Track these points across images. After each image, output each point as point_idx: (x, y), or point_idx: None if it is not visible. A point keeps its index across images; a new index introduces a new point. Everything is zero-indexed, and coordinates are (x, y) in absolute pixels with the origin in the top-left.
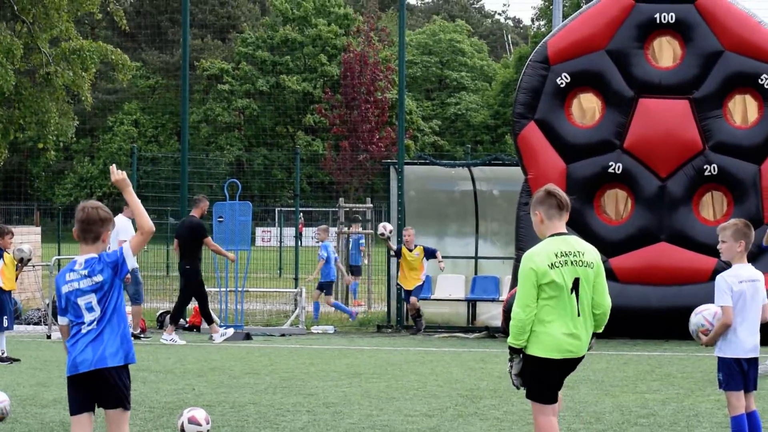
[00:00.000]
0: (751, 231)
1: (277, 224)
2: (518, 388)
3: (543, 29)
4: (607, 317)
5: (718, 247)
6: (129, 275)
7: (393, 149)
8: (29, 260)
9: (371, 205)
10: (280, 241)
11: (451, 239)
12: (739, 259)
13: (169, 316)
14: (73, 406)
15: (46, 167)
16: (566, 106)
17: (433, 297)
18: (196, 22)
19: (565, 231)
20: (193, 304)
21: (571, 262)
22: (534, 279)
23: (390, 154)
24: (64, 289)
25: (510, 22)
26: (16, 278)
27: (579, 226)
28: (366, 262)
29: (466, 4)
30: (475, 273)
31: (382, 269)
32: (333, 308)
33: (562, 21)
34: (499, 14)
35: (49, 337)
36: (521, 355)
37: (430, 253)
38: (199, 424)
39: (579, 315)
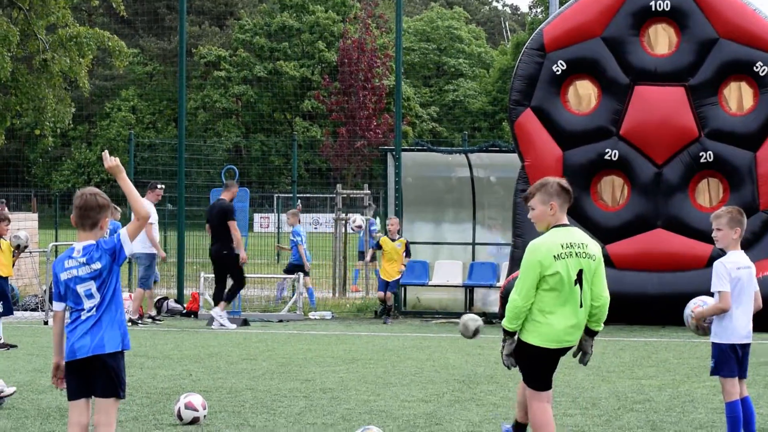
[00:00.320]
0: (744, 218)
1: (275, 210)
2: (509, 368)
3: (540, 16)
4: (606, 309)
5: (713, 235)
6: (165, 254)
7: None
8: (26, 247)
9: (369, 192)
10: (278, 228)
11: (449, 225)
12: (734, 246)
13: (225, 294)
14: (70, 391)
15: (43, 153)
16: (562, 94)
17: (430, 283)
18: (193, 9)
19: (567, 222)
20: (191, 290)
21: (576, 254)
22: (538, 270)
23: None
24: (63, 276)
25: (507, 9)
26: (13, 264)
27: (575, 212)
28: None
29: None
30: (473, 259)
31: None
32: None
33: (559, 8)
34: (497, 1)
35: (46, 323)
36: (514, 338)
37: (408, 251)
38: (196, 410)
39: (581, 306)
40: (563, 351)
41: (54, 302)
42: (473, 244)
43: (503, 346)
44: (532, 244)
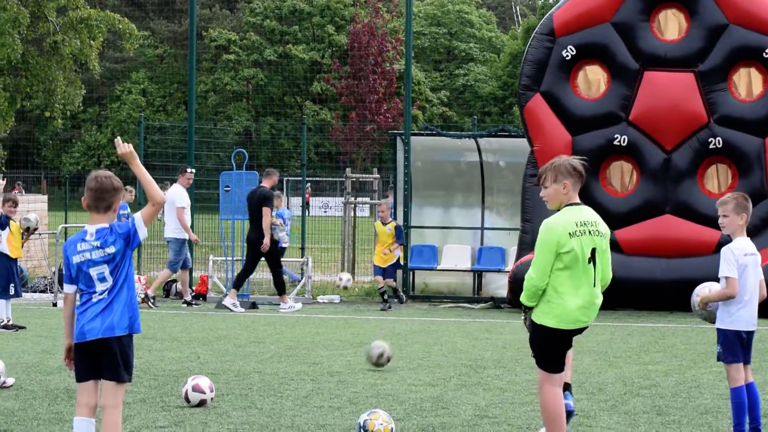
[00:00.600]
0: (750, 204)
1: (284, 193)
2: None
3: (551, 1)
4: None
5: (720, 221)
6: (196, 237)
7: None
8: (35, 229)
9: (378, 176)
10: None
11: (457, 210)
12: (740, 233)
13: (275, 286)
14: (79, 373)
15: (53, 136)
16: (572, 79)
17: (439, 267)
18: None
19: (579, 201)
20: (199, 273)
21: (589, 232)
22: (554, 247)
23: (397, 125)
24: (75, 259)
25: None
26: (23, 246)
27: (584, 197)
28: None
29: None
30: (481, 244)
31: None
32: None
33: None
34: None
35: (55, 304)
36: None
37: (398, 236)
38: (203, 392)
39: (595, 285)
40: (576, 332)
41: (65, 284)
42: (482, 228)
43: (525, 318)
44: (547, 223)
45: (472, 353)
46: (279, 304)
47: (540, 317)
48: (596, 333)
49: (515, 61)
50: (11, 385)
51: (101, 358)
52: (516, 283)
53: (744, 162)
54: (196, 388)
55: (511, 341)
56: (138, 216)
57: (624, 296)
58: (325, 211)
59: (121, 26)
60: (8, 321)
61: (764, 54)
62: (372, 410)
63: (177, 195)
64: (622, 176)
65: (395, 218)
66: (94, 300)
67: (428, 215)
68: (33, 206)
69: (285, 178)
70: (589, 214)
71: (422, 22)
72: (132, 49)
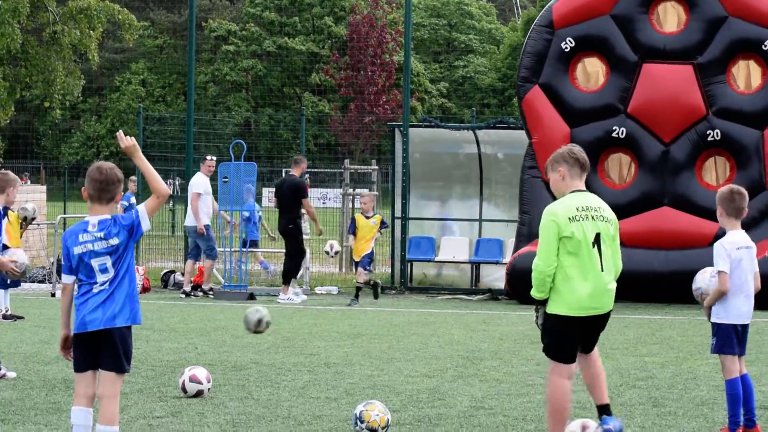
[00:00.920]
0: (742, 198)
1: None
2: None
3: None
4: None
5: (718, 215)
6: (204, 230)
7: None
8: (33, 219)
9: (377, 167)
10: None
11: (456, 202)
12: (733, 226)
13: (282, 273)
14: (77, 363)
15: (52, 126)
16: (571, 71)
17: (436, 259)
18: None
19: (584, 188)
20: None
21: (592, 217)
22: (556, 231)
23: (396, 116)
24: (77, 250)
25: None
26: (21, 236)
27: None
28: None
29: None
30: (479, 236)
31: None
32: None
33: None
34: None
35: (53, 295)
36: (545, 306)
37: (384, 225)
38: (200, 383)
39: (603, 270)
40: (593, 321)
41: (63, 275)
42: (480, 220)
43: (537, 315)
44: (547, 208)
45: (468, 345)
46: (278, 295)
47: (551, 306)
48: None
49: (515, 53)
50: (11, 379)
51: (102, 349)
52: (514, 274)
53: (742, 154)
54: (194, 379)
55: (508, 333)
56: (142, 208)
57: (621, 288)
58: (323, 203)
59: (120, 16)
60: (6, 311)
61: (763, 46)
62: (368, 401)
63: (195, 181)
64: (620, 168)
65: (393, 211)
66: (95, 291)
67: (426, 207)
68: (32, 196)
69: (284, 169)
70: (593, 200)
71: (422, 14)
72: (131, 39)
